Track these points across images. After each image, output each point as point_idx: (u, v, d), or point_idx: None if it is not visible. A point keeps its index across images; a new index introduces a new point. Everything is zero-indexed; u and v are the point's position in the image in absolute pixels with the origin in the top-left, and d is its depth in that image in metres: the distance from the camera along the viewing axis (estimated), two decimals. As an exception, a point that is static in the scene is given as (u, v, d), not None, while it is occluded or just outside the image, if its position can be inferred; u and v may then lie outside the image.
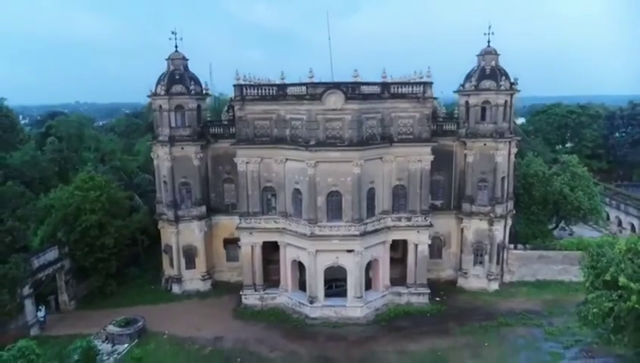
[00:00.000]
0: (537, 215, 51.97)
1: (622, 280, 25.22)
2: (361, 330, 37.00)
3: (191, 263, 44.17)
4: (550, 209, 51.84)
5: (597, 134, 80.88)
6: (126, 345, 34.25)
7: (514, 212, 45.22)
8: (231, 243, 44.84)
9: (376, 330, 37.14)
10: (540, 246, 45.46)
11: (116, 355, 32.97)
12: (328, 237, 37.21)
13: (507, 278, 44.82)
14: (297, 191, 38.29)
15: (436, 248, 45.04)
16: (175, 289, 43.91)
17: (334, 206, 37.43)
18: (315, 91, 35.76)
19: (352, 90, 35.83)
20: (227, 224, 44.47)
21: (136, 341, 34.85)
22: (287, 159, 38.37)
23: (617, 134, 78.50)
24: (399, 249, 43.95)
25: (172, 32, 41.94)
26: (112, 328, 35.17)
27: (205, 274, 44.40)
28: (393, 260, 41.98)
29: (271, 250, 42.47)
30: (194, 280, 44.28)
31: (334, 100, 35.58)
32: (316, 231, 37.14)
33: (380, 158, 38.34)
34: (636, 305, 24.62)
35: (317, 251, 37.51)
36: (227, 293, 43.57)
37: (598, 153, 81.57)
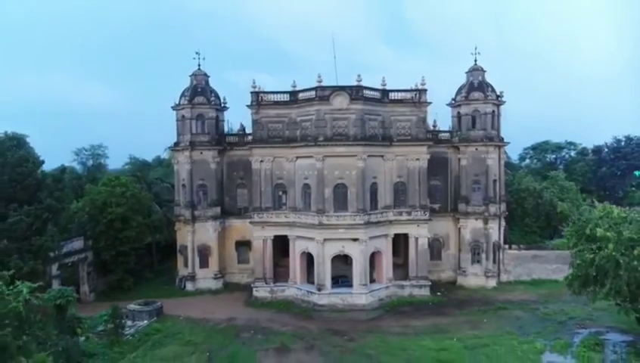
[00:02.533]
0: (530, 226, 55.46)
1: (599, 231, 28.46)
2: (367, 313, 39.12)
3: (204, 262, 46.71)
4: (542, 220, 55.13)
5: (587, 169, 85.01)
6: (145, 321, 36.32)
7: (507, 213, 48.34)
8: (243, 245, 47.82)
9: (380, 313, 39.30)
10: (534, 246, 48.32)
11: (136, 327, 35.02)
12: (335, 226, 40.30)
13: (504, 278, 47.12)
14: (306, 186, 41.92)
15: (436, 250, 47.81)
16: (189, 286, 46.15)
17: (340, 198, 40.92)
18: (324, 93, 40.54)
19: (356, 92, 40.59)
20: (239, 226, 47.56)
21: (154, 319, 36.93)
22: (297, 158, 42.38)
23: (605, 168, 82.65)
24: (400, 254, 46.62)
25: (196, 53, 47.61)
26: (132, 306, 37.40)
27: (217, 272, 46.81)
28: (395, 265, 44.68)
29: (278, 253, 45.15)
30: (206, 279, 46.57)
31: (340, 100, 40.29)
32: (324, 221, 40.31)
33: (382, 156, 42.36)
34: (613, 253, 27.65)
35: (325, 240, 40.41)
36: (238, 291, 45.72)
37: (589, 189, 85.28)
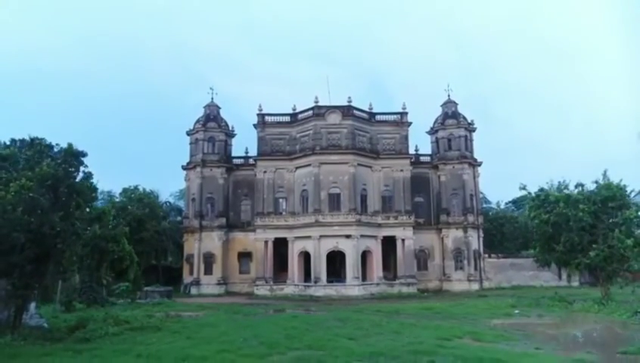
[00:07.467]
0: (510, 249, 60.11)
1: (552, 193, 34.19)
2: (359, 302, 42.62)
3: (209, 269, 50.54)
4: (520, 242, 60.07)
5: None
6: (157, 299, 39.68)
7: (484, 225, 53.48)
8: (244, 256, 51.95)
9: (372, 301, 42.79)
10: (511, 255, 52.85)
11: (150, 301, 38.40)
12: (330, 224, 45.27)
13: (486, 284, 51.05)
14: (304, 192, 47.60)
15: (423, 261, 52.13)
16: (193, 290, 49.45)
17: (334, 200, 46.46)
18: (320, 111, 47.87)
19: (347, 110, 47.93)
20: (242, 239, 52.09)
21: (166, 299, 40.27)
22: (296, 168, 48.53)
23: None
24: (390, 268, 50.89)
25: (210, 88, 55.72)
26: (147, 288, 40.91)
27: (220, 279, 50.42)
28: (385, 278, 48.90)
29: (276, 269, 49.14)
30: (210, 285, 50.03)
31: (334, 116, 47.50)
32: (320, 219, 45.37)
33: (370, 167, 48.63)
34: (564, 210, 33.07)
35: (320, 236, 45.10)
36: (239, 297, 49.02)
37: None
